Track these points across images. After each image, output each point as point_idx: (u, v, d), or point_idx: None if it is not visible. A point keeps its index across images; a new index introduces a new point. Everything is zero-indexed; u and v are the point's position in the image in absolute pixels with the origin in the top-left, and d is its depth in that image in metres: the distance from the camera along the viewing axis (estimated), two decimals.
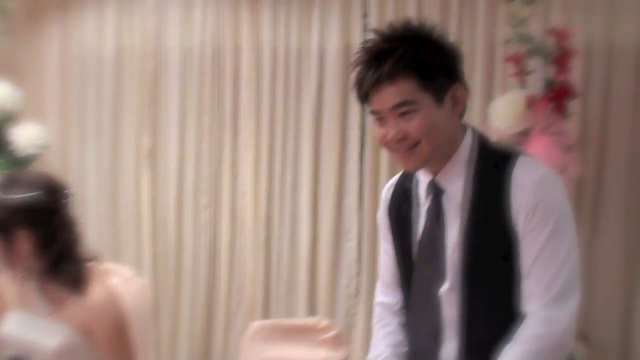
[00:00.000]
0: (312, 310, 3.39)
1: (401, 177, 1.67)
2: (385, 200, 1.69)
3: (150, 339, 2.19)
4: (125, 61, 3.52)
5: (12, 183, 1.77)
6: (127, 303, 2.17)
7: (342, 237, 3.37)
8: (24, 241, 1.76)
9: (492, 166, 1.48)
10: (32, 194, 1.75)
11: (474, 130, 1.55)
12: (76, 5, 3.52)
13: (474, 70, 3.00)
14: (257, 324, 1.93)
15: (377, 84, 1.42)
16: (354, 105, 3.20)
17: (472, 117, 2.80)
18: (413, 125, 1.43)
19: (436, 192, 1.53)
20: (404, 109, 1.42)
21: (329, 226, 3.36)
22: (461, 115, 1.52)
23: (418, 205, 1.58)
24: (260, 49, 3.37)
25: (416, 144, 1.44)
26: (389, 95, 1.42)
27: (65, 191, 1.86)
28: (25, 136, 3.18)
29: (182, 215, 3.55)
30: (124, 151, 3.60)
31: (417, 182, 1.60)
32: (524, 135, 2.63)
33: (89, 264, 1.90)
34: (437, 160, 1.50)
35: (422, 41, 1.45)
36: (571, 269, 1.42)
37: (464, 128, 1.53)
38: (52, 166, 3.57)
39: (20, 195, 1.74)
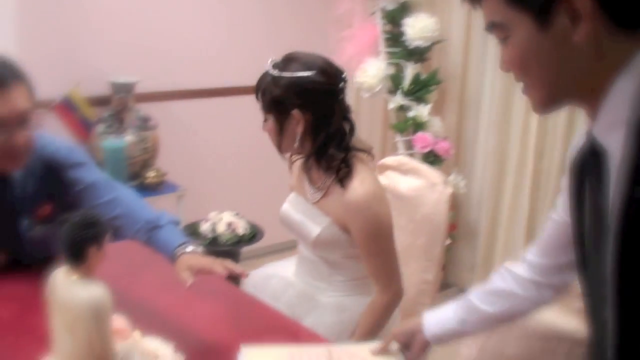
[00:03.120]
0: None
1: None
2: (571, 149, 1.13)
3: (441, 252, 2.03)
4: None
5: (288, 62, 1.69)
6: (424, 209, 2.06)
7: None
8: (297, 121, 1.69)
9: None
10: (309, 73, 1.67)
11: None
12: None
13: None
14: None
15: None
16: None
17: None
18: (506, 56, 0.99)
19: (593, 149, 0.97)
20: (495, 33, 0.99)
21: None
22: (622, 30, 0.89)
23: None
24: None
25: (520, 80, 1.00)
26: (483, 14, 1.00)
27: (342, 75, 1.73)
28: (416, 27, 3.16)
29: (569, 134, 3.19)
30: None
31: None
32: None
33: (360, 156, 1.77)
34: (584, 102, 0.97)
35: None
36: None
37: (631, 48, 0.90)
38: (448, 62, 3.54)
39: (297, 74, 1.67)
